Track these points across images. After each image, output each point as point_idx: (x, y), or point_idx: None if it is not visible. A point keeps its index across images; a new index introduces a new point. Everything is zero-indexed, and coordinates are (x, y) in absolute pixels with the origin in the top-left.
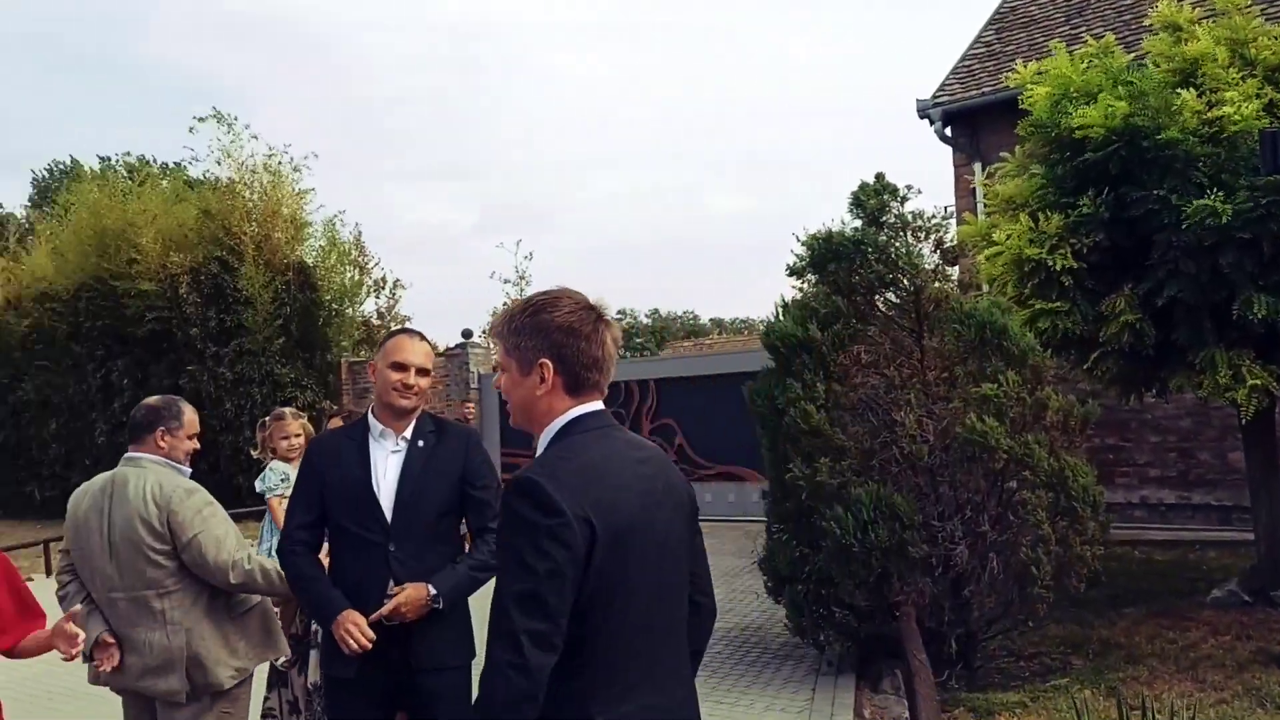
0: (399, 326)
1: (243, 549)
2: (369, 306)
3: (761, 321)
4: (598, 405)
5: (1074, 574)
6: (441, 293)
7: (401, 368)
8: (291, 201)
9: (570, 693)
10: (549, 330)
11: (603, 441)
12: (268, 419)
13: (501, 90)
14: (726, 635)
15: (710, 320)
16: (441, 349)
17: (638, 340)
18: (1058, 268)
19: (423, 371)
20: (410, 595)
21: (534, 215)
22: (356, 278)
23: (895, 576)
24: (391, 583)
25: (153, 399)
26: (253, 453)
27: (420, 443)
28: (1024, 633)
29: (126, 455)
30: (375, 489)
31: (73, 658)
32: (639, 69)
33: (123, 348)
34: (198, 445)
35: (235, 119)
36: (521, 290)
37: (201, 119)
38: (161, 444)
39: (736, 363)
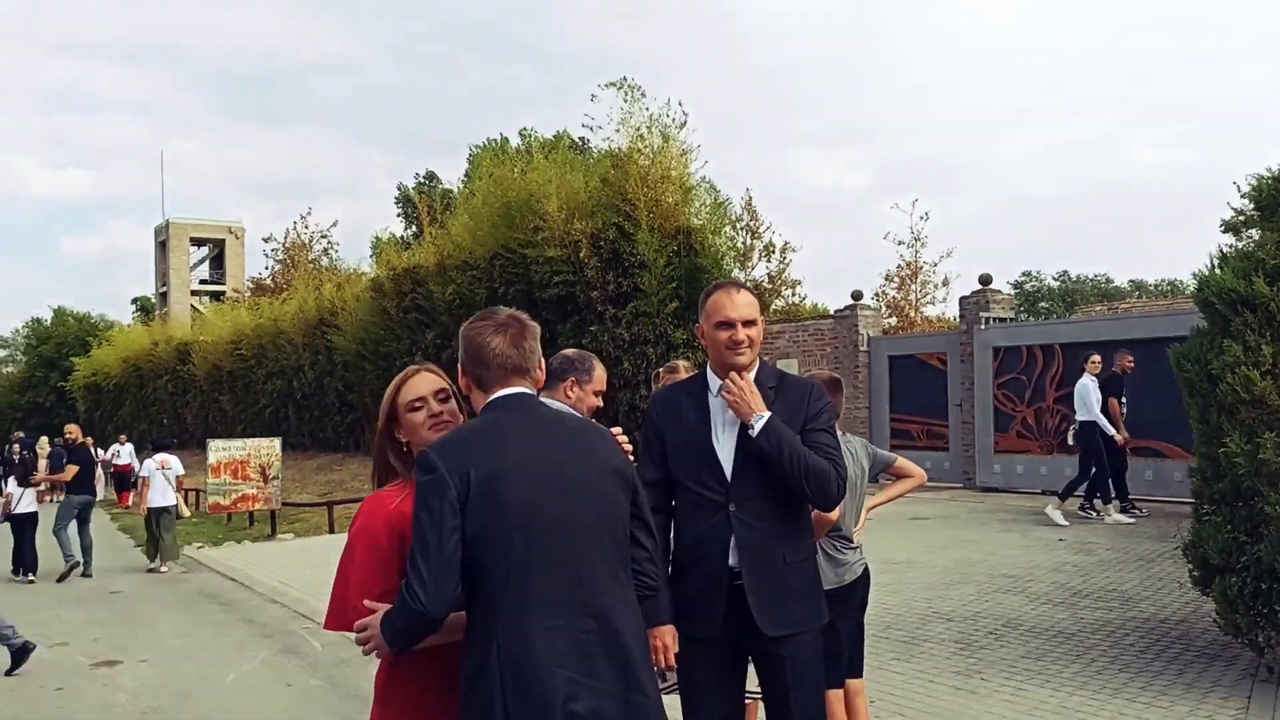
0: (715, 282)
1: None
2: (760, 271)
3: (1194, 277)
4: (511, 390)
5: None
6: (834, 255)
7: (727, 325)
8: (678, 163)
9: (478, 616)
10: (471, 335)
11: (499, 416)
12: (662, 369)
13: (901, 49)
14: (1143, 627)
15: (1129, 282)
16: (831, 311)
17: (1043, 305)
18: None
19: (749, 323)
20: (749, 388)
21: (933, 175)
22: (748, 242)
23: None
24: (733, 540)
25: (571, 350)
26: None
27: None
28: None
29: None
30: (715, 446)
31: None
32: (1053, 13)
33: (532, 310)
34: (600, 403)
35: (635, 84)
36: (916, 252)
37: (607, 85)
38: (570, 394)
39: (1157, 325)
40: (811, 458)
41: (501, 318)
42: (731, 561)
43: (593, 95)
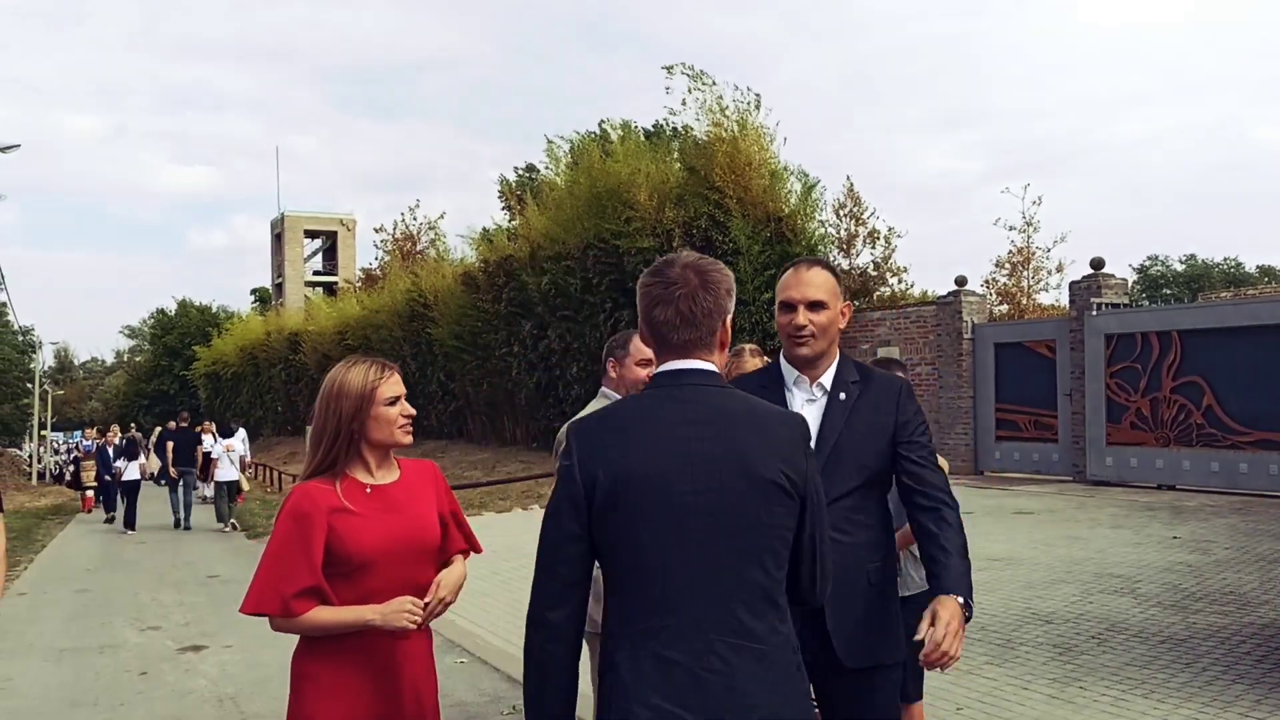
0: (796, 258)
1: None
2: (864, 258)
3: None
4: (684, 363)
5: None
6: (943, 242)
7: (788, 307)
8: (759, 146)
9: (614, 613)
10: (639, 298)
11: (654, 399)
12: (729, 355)
13: (1014, 31)
14: (1261, 634)
15: (1257, 268)
16: (934, 298)
17: (1167, 291)
18: None
19: (817, 306)
20: (950, 630)
21: (1048, 159)
22: (852, 229)
23: None
24: None
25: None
26: None
27: (842, 395)
28: None
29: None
30: None
31: None
32: None
33: (627, 299)
34: (646, 374)
35: (702, 73)
36: (1028, 237)
37: (670, 71)
38: (612, 374)
39: None
40: (960, 543)
41: (673, 272)
42: None
43: (666, 87)
